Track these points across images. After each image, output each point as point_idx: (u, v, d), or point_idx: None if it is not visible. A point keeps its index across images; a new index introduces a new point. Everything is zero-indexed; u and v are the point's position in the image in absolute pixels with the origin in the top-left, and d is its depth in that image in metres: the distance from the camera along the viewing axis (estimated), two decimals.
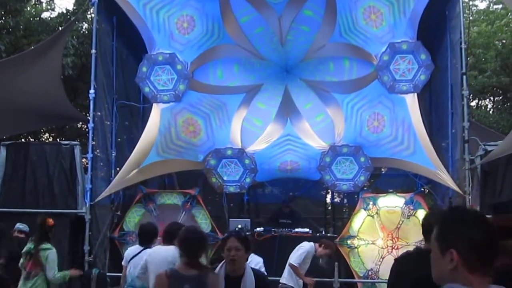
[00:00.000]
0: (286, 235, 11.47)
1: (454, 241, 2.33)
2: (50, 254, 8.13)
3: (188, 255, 5.21)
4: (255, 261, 8.27)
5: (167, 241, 7.01)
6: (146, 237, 8.14)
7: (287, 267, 9.54)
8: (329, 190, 14.45)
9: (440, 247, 2.37)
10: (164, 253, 6.78)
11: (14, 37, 16.67)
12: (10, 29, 16.49)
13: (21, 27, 17.02)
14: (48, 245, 8.20)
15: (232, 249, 5.27)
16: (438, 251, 2.39)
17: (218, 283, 5.22)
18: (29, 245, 8.23)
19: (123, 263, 8.21)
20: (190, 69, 11.95)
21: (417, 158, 11.37)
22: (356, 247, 11.65)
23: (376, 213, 11.66)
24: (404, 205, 11.53)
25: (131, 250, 8.26)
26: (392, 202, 11.75)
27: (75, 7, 18.09)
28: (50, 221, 8.43)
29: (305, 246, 9.61)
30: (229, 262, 5.31)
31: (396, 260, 4.14)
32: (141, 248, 8.11)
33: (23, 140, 16.45)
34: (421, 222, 4.25)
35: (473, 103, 22.07)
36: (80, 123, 17.84)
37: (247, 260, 5.86)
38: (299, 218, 13.47)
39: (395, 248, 11.34)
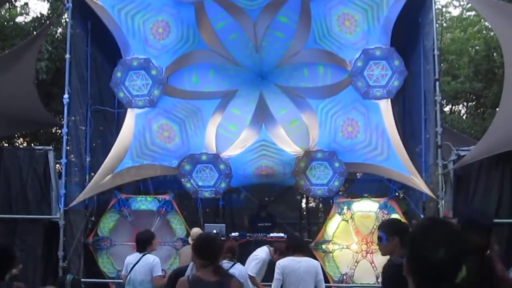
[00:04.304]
0: (262, 240, 11.48)
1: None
2: None
3: (206, 260, 5.16)
4: (239, 269, 8.14)
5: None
6: (141, 244, 8.44)
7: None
8: (304, 195, 14.49)
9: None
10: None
11: None
12: None
13: None
14: None
15: None
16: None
17: None
18: None
19: (122, 272, 8.56)
20: (165, 74, 11.94)
21: (390, 163, 11.46)
22: (331, 252, 11.71)
23: (351, 217, 11.72)
24: (378, 210, 11.62)
25: (131, 258, 8.47)
26: (366, 207, 11.84)
27: (49, 12, 17.91)
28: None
29: (261, 255, 9.36)
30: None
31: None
32: (140, 255, 8.37)
33: None
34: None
35: (447, 109, 22.26)
36: (54, 128, 17.69)
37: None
38: (277, 221, 13.46)
39: (370, 252, 11.42)
